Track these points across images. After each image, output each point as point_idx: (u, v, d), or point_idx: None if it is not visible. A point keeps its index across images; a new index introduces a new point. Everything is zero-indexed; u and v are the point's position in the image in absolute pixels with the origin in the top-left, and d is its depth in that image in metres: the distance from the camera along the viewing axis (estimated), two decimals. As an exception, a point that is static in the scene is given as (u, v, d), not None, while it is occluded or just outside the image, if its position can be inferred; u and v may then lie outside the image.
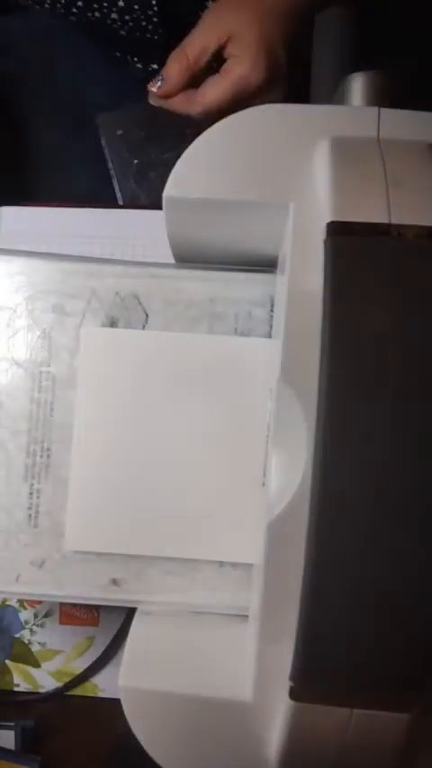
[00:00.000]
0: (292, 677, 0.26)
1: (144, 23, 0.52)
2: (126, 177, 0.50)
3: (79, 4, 0.51)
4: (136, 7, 0.50)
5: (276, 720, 0.28)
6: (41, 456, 0.36)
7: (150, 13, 0.51)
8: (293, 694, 0.26)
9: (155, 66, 0.56)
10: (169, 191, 0.32)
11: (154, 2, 0.50)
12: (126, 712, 0.30)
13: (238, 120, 0.32)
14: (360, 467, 0.25)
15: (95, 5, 0.52)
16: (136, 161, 0.49)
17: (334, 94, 0.37)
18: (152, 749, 0.30)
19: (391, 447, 0.25)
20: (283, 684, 0.26)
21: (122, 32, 0.53)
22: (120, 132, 0.51)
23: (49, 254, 0.37)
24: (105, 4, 0.51)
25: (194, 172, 0.32)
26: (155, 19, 0.52)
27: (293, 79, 0.55)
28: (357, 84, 0.35)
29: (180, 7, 0.51)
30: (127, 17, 0.52)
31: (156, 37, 0.53)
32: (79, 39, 0.55)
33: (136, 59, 0.56)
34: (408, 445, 0.25)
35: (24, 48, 0.55)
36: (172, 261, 0.37)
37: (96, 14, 0.52)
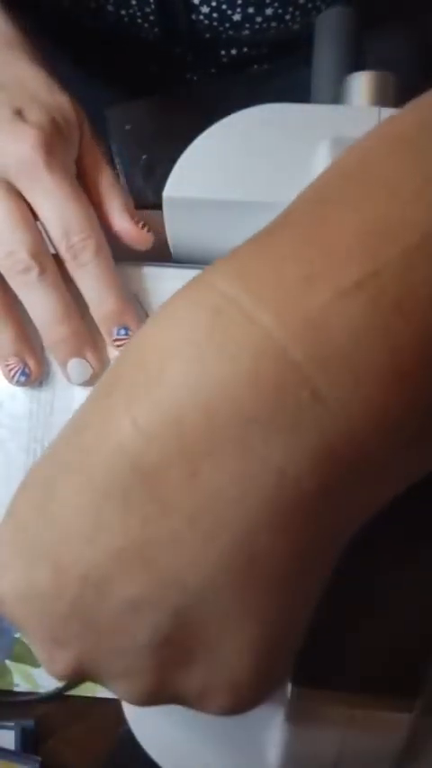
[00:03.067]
0: (293, 678, 0.26)
1: (140, 20, 0.52)
2: (134, 173, 0.50)
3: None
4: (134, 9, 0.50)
5: (276, 720, 0.28)
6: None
7: (148, 10, 0.51)
8: (293, 694, 0.26)
9: (154, 68, 0.56)
10: (169, 191, 0.32)
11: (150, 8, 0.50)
12: (126, 712, 0.30)
13: (237, 120, 0.32)
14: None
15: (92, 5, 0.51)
16: (144, 156, 0.48)
17: (334, 94, 0.37)
18: (152, 749, 0.30)
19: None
20: (283, 685, 0.26)
21: (119, 31, 0.53)
22: (128, 127, 0.50)
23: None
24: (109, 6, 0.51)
25: (194, 172, 0.32)
26: (151, 17, 0.52)
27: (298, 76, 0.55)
28: (357, 84, 0.35)
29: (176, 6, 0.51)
30: (122, 11, 0.52)
31: (151, 36, 0.52)
32: (79, 39, 0.55)
33: (134, 55, 0.56)
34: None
35: None
36: (172, 261, 0.37)
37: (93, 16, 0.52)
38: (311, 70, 0.39)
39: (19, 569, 0.20)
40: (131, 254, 0.37)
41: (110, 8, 0.52)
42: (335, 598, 0.24)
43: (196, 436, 0.17)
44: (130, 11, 0.52)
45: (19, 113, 0.35)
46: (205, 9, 0.51)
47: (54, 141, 0.34)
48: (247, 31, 0.53)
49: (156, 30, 0.53)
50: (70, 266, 0.35)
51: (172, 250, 0.36)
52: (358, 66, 0.36)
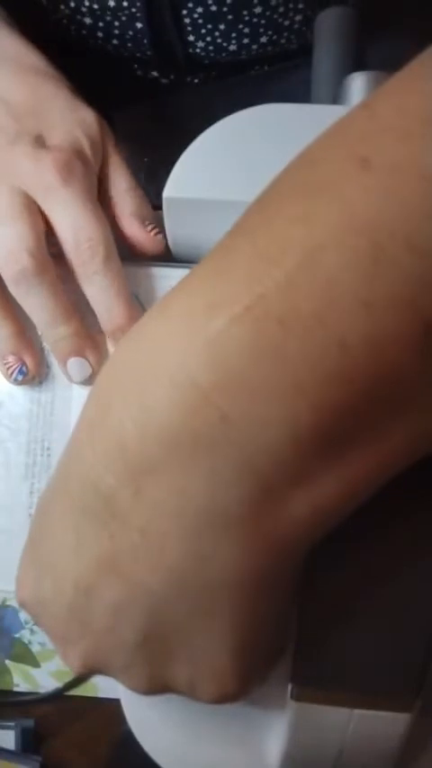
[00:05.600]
0: (293, 678, 0.26)
1: (138, 54, 0.53)
2: (136, 177, 0.50)
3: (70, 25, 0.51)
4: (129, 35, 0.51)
5: (277, 720, 0.28)
6: (42, 455, 0.36)
7: (144, 48, 0.51)
8: (294, 694, 0.26)
9: (154, 74, 0.56)
10: (169, 191, 0.32)
11: (146, 41, 0.51)
12: (126, 712, 0.30)
13: (237, 120, 0.32)
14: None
15: (84, 31, 0.52)
16: (146, 159, 0.48)
17: (334, 94, 0.37)
18: (151, 749, 0.30)
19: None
20: (283, 685, 0.26)
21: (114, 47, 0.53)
22: (132, 130, 0.51)
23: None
24: (100, 35, 0.52)
25: (194, 172, 0.32)
26: (148, 53, 0.52)
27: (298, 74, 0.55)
28: (357, 84, 0.35)
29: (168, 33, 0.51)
30: (122, 50, 0.52)
31: (149, 53, 0.53)
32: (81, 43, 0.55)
33: (136, 66, 0.56)
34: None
35: None
36: (172, 261, 0.37)
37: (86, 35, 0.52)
38: (311, 70, 0.39)
39: (31, 579, 0.23)
40: (131, 253, 0.37)
41: (109, 48, 0.52)
42: (334, 597, 0.24)
43: (137, 458, 0.19)
44: (128, 51, 0.52)
45: (39, 140, 0.36)
46: (201, 44, 0.51)
47: (72, 160, 0.35)
48: (243, 57, 0.53)
49: (154, 59, 0.53)
50: (79, 274, 0.35)
51: (172, 250, 0.36)
52: (358, 66, 0.36)
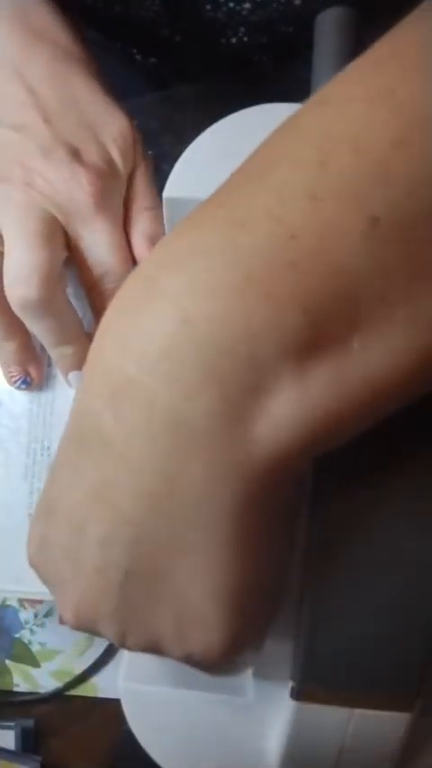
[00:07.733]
0: (293, 677, 0.26)
1: (145, 12, 0.52)
2: None
3: None
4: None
5: (277, 720, 0.28)
6: (41, 455, 0.36)
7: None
8: (294, 694, 0.26)
9: (153, 60, 0.56)
10: (169, 191, 0.32)
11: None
12: (126, 712, 0.30)
13: (238, 120, 0.32)
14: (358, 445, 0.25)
15: None
16: (150, 152, 0.48)
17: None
18: (152, 749, 0.30)
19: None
20: (283, 684, 0.26)
21: (119, 15, 0.52)
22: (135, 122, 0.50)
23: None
24: None
25: (194, 172, 0.32)
26: (155, 8, 0.51)
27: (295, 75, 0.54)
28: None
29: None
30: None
31: (152, 13, 0.52)
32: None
33: (135, 50, 0.56)
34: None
35: None
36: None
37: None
38: (311, 70, 0.38)
39: (38, 529, 0.24)
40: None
41: (117, 9, 0.51)
42: (335, 597, 0.24)
43: (115, 376, 0.20)
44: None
45: (76, 154, 0.35)
46: None
47: (108, 183, 0.35)
48: (248, 4, 0.52)
49: (157, 4, 0.52)
50: (96, 303, 0.36)
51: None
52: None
